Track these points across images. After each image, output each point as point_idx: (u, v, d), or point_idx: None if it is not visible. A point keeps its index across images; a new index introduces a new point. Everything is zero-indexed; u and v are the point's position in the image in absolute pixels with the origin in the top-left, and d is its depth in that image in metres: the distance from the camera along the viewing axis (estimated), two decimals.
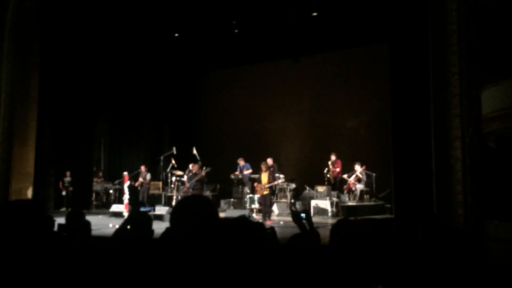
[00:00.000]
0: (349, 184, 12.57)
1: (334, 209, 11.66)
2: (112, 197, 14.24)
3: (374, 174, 12.20)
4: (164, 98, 16.29)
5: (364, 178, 12.38)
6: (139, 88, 15.37)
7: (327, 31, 12.35)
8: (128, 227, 3.00)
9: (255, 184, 11.27)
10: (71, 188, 13.34)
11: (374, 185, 12.26)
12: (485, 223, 7.36)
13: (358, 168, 12.30)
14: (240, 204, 12.68)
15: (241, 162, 13.00)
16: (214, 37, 13.16)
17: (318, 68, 14.79)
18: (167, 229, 1.51)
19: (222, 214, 11.09)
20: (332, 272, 1.93)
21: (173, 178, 12.59)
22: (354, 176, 12.42)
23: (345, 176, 12.73)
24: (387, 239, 3.64)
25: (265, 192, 10.70)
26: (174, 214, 1.50)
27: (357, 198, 12.32)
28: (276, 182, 10.87)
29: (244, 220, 2.43)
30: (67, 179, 13.33)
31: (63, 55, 12.46)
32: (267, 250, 2.81)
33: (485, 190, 7.55)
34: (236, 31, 12.73)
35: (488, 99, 7.38)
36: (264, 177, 10.86)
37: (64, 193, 13.26)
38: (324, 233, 3.74)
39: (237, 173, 13.02)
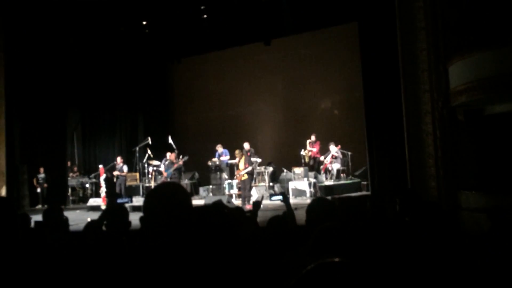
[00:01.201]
0: (325, 164, 12.72)
1: (312, 189, 11.80)
2: (89, 191, 14.05)
3: (349, 153, 12.36)
4: (136, 87, 16.04)
5: (340, 157, 12.53)
6: (110, 79, 15.09)
7: (296, 12, 12.32)
8: (105, 222, 2.99)
9: (236, 169, 11.31)
10: (45, 185, 13.07)
11: (350, 164, 12.43)
12: (457, 193, 7.61)
13: (333, 148, 12.42)
14: (219, 190, 12.70)
15: (219, 149, 12.99)
16: (183, 24, 12.98)
17: (289, 50, 14.79)
18: (141, 218, 1.52)
19: (201, 201, 11.10)
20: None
21: (150, 169, 12.49)
22: (330, 156, 12.55)
23: (321, 158, 12.85)
24: (363, 215, 3.73)
25: (243, 178, 10.74)
26: (147, 203, 1.51)
27: (334, 177, 12.48)
28: (250, 168, 10.85)
29: (220, 205, 2.46)
30: (41, 175, 13.05)
31: (29, 48, 12.09)
32: (246, 233, 2.85)
33: (455, 162, 7.79)
34: (205, 16, 12.59)
35: (455, 73, 7.55)
36: (241, 162, 10.89)
37: (39, 190, 13.00)
38: (303, 214, 3.82)
39: (214, 159, 13.02)
